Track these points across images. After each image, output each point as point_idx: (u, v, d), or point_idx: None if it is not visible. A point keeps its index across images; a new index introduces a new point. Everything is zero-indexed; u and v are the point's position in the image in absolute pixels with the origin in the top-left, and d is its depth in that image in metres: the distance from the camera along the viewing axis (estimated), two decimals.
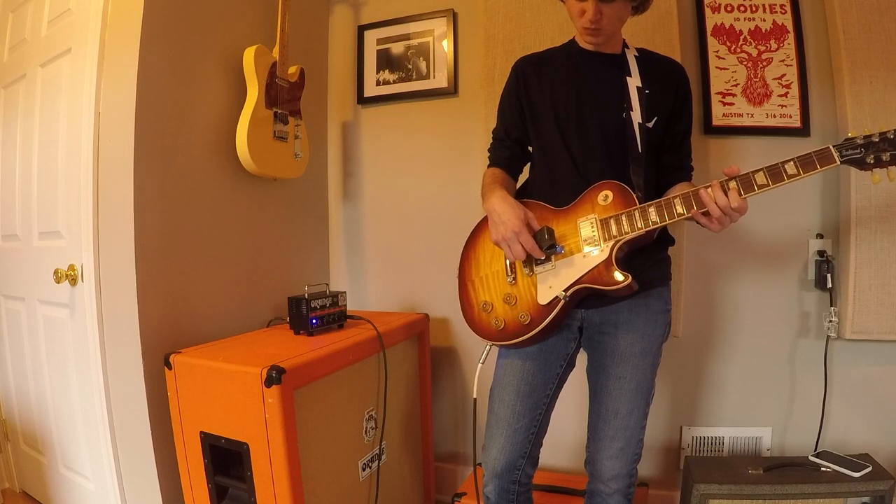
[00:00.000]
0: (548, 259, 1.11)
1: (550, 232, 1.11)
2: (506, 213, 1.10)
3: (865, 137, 0.93)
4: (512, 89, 1.27)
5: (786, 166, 0.95)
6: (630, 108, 1.13)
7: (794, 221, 1.65)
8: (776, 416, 1.71)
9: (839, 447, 1.56)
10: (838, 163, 0.93)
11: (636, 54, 1.19)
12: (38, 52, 1.71)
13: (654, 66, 1.18)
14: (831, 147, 0.93)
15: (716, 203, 0.98)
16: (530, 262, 1.14)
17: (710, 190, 0.99)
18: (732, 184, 0.98)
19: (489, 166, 1.30)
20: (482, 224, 1.26)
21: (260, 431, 1.17)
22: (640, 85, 1.15)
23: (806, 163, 0.94)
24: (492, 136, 1.33)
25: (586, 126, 1.16)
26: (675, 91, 1.17)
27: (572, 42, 1.25)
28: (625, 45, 1.20)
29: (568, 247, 1.11)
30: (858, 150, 0.93)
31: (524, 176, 1.33)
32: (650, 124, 1.15)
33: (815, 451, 1.55)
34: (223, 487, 1.29)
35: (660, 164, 1.20)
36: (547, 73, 1.23)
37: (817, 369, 1.63)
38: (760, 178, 0.96)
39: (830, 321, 1.59)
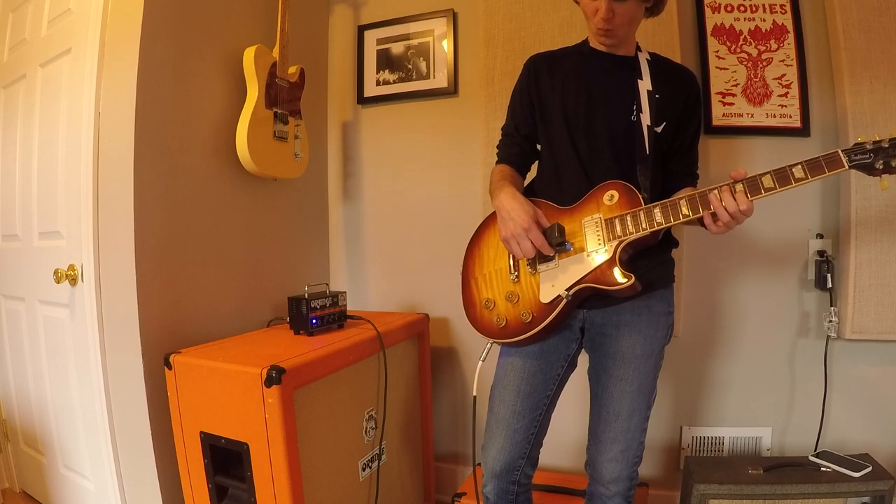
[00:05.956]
0: (551, 258, 1.11)
1: (561, 229, 1.10)
2: (515, 210, 1.10)
3: (875, 143, 0.92)
4: (524, 86, 1.27)
5: (793, 170, 0.94)
6: (640, 111, 1.13)
7: (794, 222, 1.65)
8: (776, 416, 1.71)
9: (839, 447, 1.57)
10: (847, 167, 0.92)
11: (648, 58, 1.19)
12: (38, 52, 1.70)
13: (665, 71, 1.18)
14: (840, 151, 0.92)
15: (723, 205, 0.98)
16: (534, 260, 1.13)
17: (717, 192, 0.99)
18: (739, 186, 0.98)
19: (497, 163, 1.29)
20: (488, 221, 1.26)
21: (260, 431, 1.17)
22: (650, 88, 1.15)
23: (814, 167, 0.93)
24: (501, 132, 1.32)
25: (595, 126, 1.15)
26: (686, 97, 1.17)
27: (585, 43, 1.25)
28: (638, 49, 1.20)
29: (572, 246, 1.11)
30: (867, 156, 0.92)
31: (531, 174, 1.32)
32: (659, 129, 1.14)
33: (815, 451, 1.55)
34: (223, 487, 1.29)
35: (666, 169, 1.19)
36: (559, 72, 1.22)
37: (817, 369, 1.63)
38: (767, 182, 0.96)
39: (830, 321, 1.59)
